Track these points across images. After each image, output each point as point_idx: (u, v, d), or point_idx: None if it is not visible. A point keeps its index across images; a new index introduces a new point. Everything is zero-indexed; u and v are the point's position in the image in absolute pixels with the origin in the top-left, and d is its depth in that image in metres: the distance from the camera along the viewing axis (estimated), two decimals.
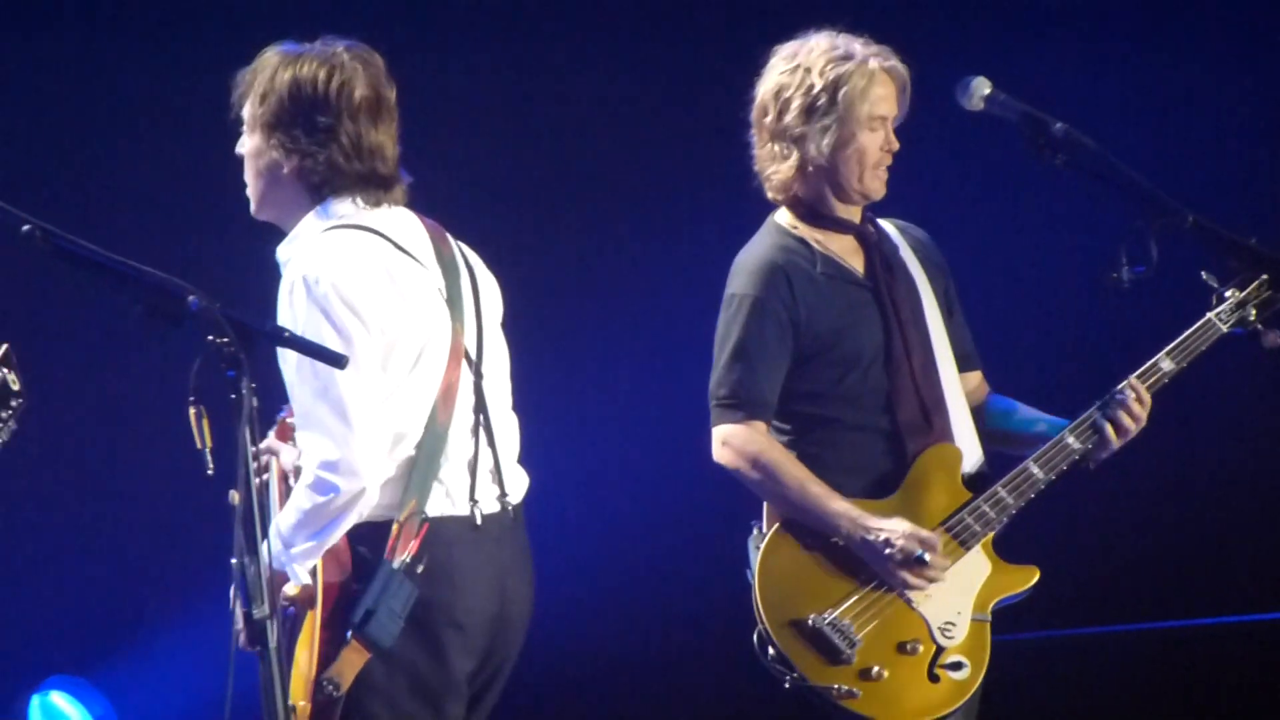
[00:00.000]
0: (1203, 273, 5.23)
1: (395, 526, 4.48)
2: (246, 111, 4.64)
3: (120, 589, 6.63)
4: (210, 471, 4.63)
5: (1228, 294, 5.23)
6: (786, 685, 4.99)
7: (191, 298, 3.63)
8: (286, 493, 4.70)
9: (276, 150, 4.59)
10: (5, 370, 4.09)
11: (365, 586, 4.44)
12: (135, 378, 6.53)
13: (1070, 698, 7.18)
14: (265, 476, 4.87)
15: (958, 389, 5.27)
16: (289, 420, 4.72)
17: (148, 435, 5.08)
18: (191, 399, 4.59)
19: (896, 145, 5.20)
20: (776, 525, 5.10)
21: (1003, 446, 5.33)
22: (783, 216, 5.27)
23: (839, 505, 5.04)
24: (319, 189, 4.59)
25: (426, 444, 4.54)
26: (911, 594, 5.05)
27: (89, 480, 7.01)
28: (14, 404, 4.09)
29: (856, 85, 5.13)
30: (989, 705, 5.21)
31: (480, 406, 4.63)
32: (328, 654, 4.47)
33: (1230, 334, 5.21)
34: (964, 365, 5.35)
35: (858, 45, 5.19)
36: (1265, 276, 5.21)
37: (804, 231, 5.23)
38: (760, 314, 5.13)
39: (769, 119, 5.21)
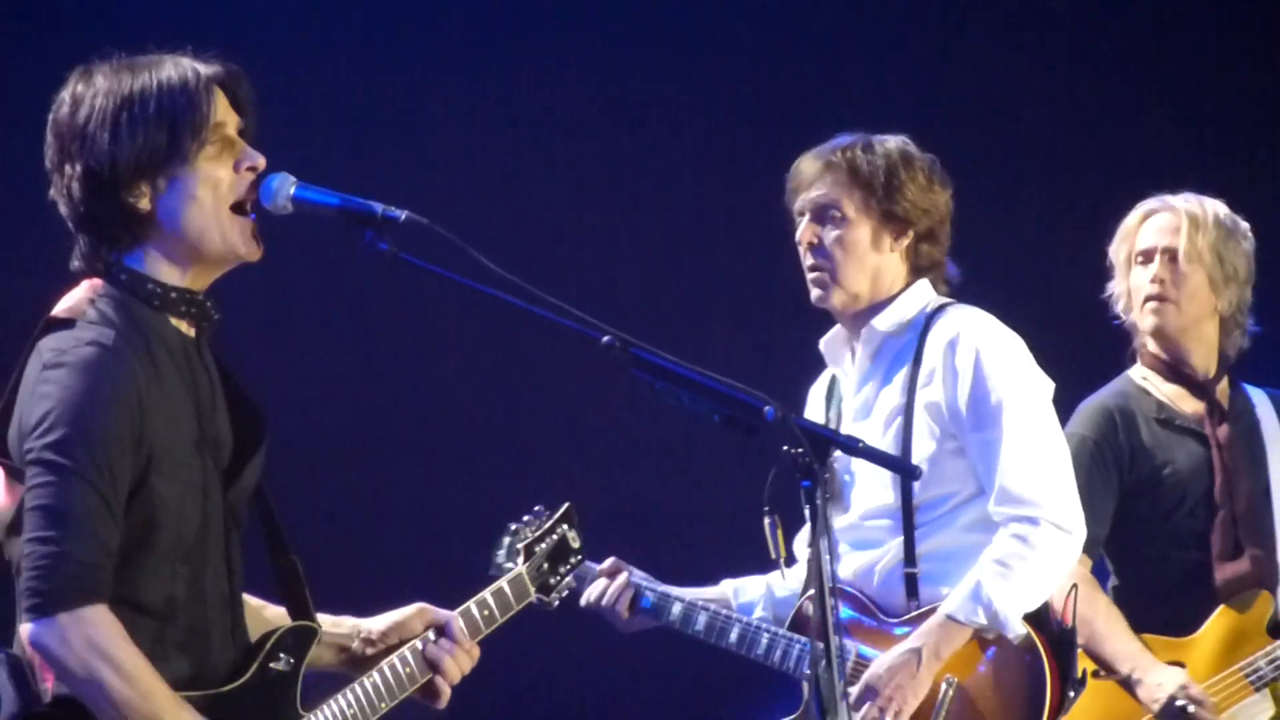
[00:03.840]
0: None
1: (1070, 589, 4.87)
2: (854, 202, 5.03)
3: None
4: (783, 578, 5.03)
5: None
6: None
7: (768, 408, 3.57)
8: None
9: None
10: (566, 527, 4.31)
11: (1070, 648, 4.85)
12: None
13: None
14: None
15: None
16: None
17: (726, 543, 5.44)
18: (766, 509, 4.52)
19: (1157, 273, 5.46)
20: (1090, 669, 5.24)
21: None
22: (1136, 371, 5.58)
23: (1124, 647, 5.31)
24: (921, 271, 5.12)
25: None
26: None
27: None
28: (573, 560, 4.29)
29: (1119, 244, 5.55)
30: None
31: None
32: (1060, 707, 4.82)
33: None
34: None
35: (1151, 201, 5.56)
36: None
37: (1150, 383, 5.53)
38: (1090, 454, 5.41)
39: None
